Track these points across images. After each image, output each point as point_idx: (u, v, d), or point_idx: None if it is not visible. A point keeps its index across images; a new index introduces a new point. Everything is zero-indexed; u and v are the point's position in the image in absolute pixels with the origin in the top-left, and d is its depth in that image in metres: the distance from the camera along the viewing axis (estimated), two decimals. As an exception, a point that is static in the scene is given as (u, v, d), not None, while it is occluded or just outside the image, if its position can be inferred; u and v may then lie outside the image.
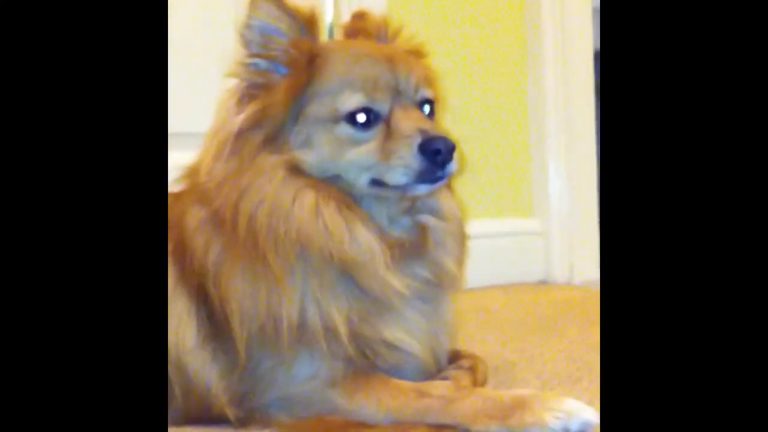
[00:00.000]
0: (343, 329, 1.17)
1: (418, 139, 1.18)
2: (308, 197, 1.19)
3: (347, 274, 1.19)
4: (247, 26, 1.22)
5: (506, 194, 2.90)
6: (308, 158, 1.21)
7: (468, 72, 2.81)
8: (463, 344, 1.43)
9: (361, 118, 1.20)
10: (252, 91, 1.22)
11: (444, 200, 1.31)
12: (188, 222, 1.24)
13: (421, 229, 1.27)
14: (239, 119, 1.21)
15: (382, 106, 1.21)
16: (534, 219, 2.93)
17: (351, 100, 1.20)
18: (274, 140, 1.21)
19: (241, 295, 1.18)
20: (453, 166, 1.19)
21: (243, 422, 1.20)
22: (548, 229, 2.91)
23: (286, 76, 1.22)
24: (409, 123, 1.19)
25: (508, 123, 2.90)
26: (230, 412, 1.20)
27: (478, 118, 2.83)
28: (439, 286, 1.28)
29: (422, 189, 1.21)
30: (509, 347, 1.79)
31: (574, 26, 2.89)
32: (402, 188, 1.20)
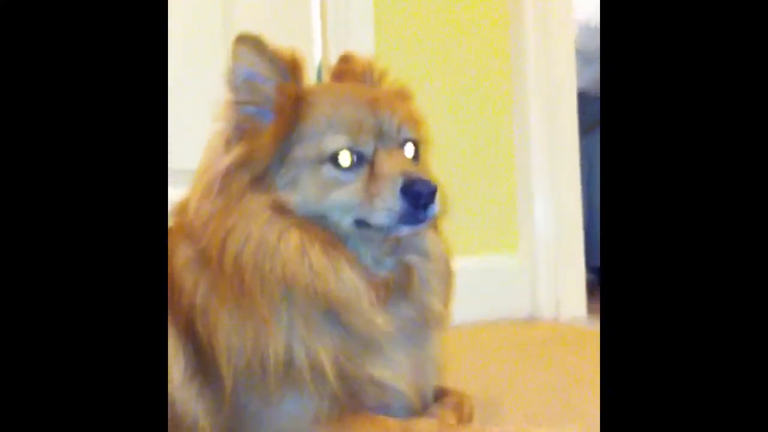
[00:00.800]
0: (329, 368, 1.18)
1: (399, 182, 1.20)
2: (294, 236, 1.20)
3: (333, 314, 1.20)
4: (232, 72, 1.25)
5: (491, 231, 2.92)
6: (294, 199, 1.23)
7: (454, 110, 2.85)
8: (448, 380, 1.44)
9: (345, 159, 1.22)
10: (239, 133, 1.25)
11: (429, 239, 1.33)
12: (176, 259, 1.25)
13: (407, 269, 1.29)
14: (226, 160, 1.24)
15: (366, 147, 1.24)
16: (519, 255, 2.95)
17: (334, 142, 1.23)
18: (260, 181, 1.23)
19: (227, 332, 1.19)
20: (435, 207, 1.21)
21: (230, 460, 1.20)
22: (534, 266, 2.93)
23: (273, 120, 1.25)
24: (391, 165, 1.22)
25: (494, 160, 2.93)
26: (217, 450, 1.21)
27: (463, 156, 2.86)
28: (424, 325, 1.30)
29: (405, 230, 1.23)
30: (495, 383, 1.79)
31: (559, 66, 2.93)
32: (385, 229, 1.22)
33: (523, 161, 2.94)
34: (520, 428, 1.14)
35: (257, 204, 1.22)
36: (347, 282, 1.20)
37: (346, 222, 1.23)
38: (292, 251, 1.19)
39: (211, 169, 1.25)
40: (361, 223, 1.23)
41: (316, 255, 1.20)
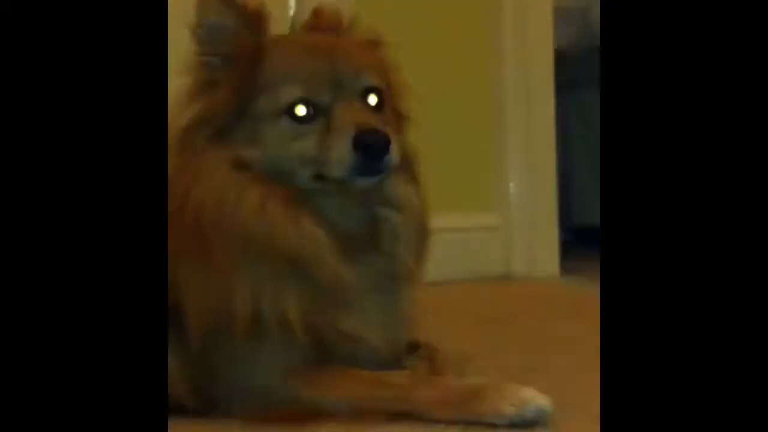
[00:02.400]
0: (296, 321, 1.18)
1: (352, 133, 1.17)
2: (253, 192, 1.19)
3: (298, 268, 1.19)
4: (198, 24, 1.23)
5: (465, 188, 2.92)
6: (253, 154, 1.22)
7: (429, 67, 2.82)
8: (422, 337, 1.44)
9: (300, 111, 1.21)
10: (201, 88, 1.24)
11: (402, 191, 1.31)
12: None
13: (376, 221, 1.28)
14: (185, 116, 1.22)
15: (322, 98, 1.21)
16: (493, 213, 2.96)
17: (289, 94, 1.21)
18: (220, 137, 1.22)
19: (193, 287, 1.19)
20: (390, 158, 1.19)
21: (201, 413, 1.20)
22: (508, 224, 2.94)
23: (230, 71, 1.23)
24: (346, 116, 1.20)
25: (468, 117, 2.92)
26: (189, 403, 1.21)
27: (438, 114, 2.84)
28: (395, 278, 1.29)
29: (362, 182, 1.21)
30: (468, 340, 1.80)
31: (536, 23, 2.92)
32: (342, 182, 1.20)
33: (498, 118, 2.94)
34: (490, 381, 1.15)
35: (216, 160, 1.21)
36: (308, 235, 1.19)
37: (305, 176, 1.22)
38: (252, 208, 1.19)
39: (173, 127, 1.23)
40: (319, 177, 1.21)
41: (276, 210, 1.19)
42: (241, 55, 1.22)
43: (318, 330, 1.20)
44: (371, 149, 1.17)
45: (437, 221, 2.69)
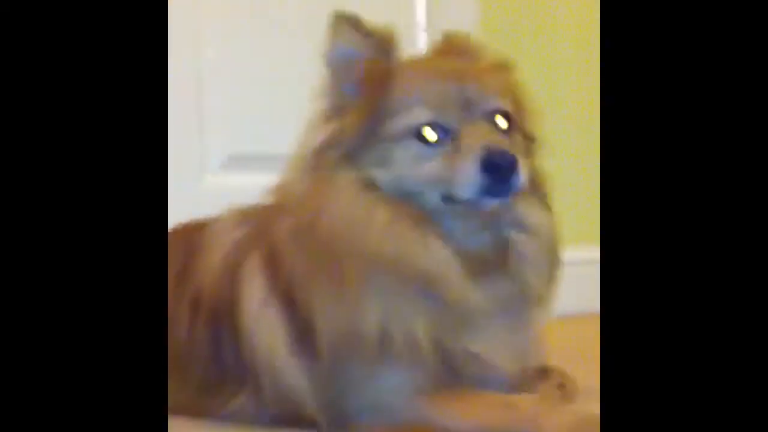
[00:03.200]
0: (424, 341, 1.18)
1: (479, 154, 1.17)
2: (382, 212, 1.21)
3: (426, 288, 1.20)
4: (330, 49, 1.27)
5: (596, 220, 2.85)
6: (382, 176, 1.23)
7: (557, 88, 2.79)
8: (553, 365, 1.41)
9: (430, 134, 1.21)
10: (335, 111, 1.27)
11: (532, 214, 1.30)
12: (278, 232, 1.28)
13: (504, 243, 1.27)
14: (318, 138, 1.26)
15: (451, 121, 1.22)
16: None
17: (419, 116, 1.22)
18: (350, 158, 1.24)
19: (323, 306, 1.21)
20: (518, 180, 1.18)
21: (332, 427, 1.22)
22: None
23: (360, 95, 1.25)
24: (474, 138, 1.20)
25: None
26: (319, 417, 1.23)
27: (575, 143, 2.81)
28: (523, 301, 1.28)
29: (489, 203, 1.21)
30: (598, 372, 1.75)
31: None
32: (470, 203, 1.20)
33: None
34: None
35: (346, 181, 1.23)
36: (436, 256, 1.20)
37: (433, 197, 1.22)
38: (381, 227, 1.20)
39: (306, 148, 1.27)
40: (447, 198, 1.22)
41: (404, 230, 1.20)
42: (372, 79, 1.25)
43: (446, 351, 1.20)
44: (499, 169, 1.17)
45: (570, 253, 2.64)
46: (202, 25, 2.25)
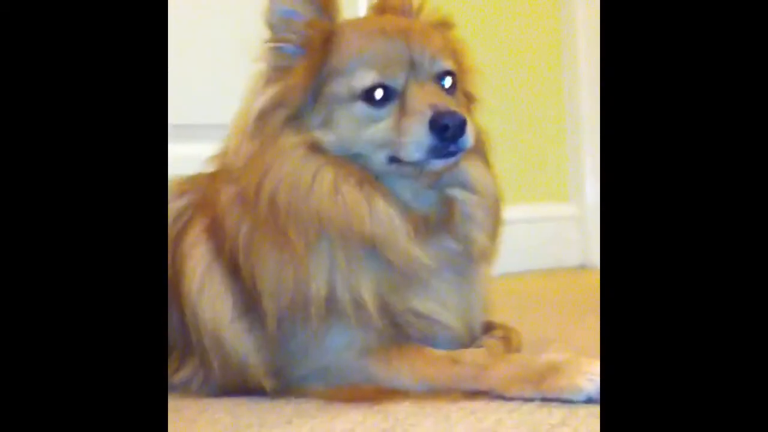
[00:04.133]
0: (371, 302, 1.19)
1: (428, 115, 1.17)
2: (327, 175, 1.20)
3: (372, 249, 1.20)
4: (269, 10, 1.24)
5: (543, 179, 2.90)
6: (328, 137, 1.23)
7: (503, 55, 2.81)
8: (498, 320, 1.43)
9: (377, 95, 1.21)
10: (275, 74, 1.25)
11: (475, 173, 1.31)
12: (221, 200, 1.27)
13: (449, 202, 1.27)
14: (260, 101, 1.24)
15: (397, 81, 1.21)
16: (571, 204, 2.92)
17: (365, 78, 1.21)
18: (294, 120, 1.23)
19: (268, 271, 1.21)
20: (466, 140, 1.18)
21: (280, 393, 1.22)
22: (585, 214, 2.90)
23: (303, 57, 1.23)
24: (421, 99, 1.19)
25: (544, 107, 2.89)
26: (267, 384, 1.23)
27: (513, 103, 2.83)
28: (469, 258, 1.29)
29: (437, 164, 1.21)
30: (546, 327, 1.78)
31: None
32: (417, 164, 1.20)
33: (574, 108, 2.90)
34: (567, 356, 1.12)
35: (291, 144, 1.22)
36: (382, 217, 1.20)
37: (379, 159, 1.22)
38: (326, 190, 1.20)
39: (247, 112, 1.25)
40: (393, 159, 1.21)
41: (350, 192, 1.20)
42: (314, 40, 1.23)
43: (393, 310, 1.21)
44: (447, 130, 1.16)
45: (515, 212, 2.68)
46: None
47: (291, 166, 1.21)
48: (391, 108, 1.21)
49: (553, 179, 2.92)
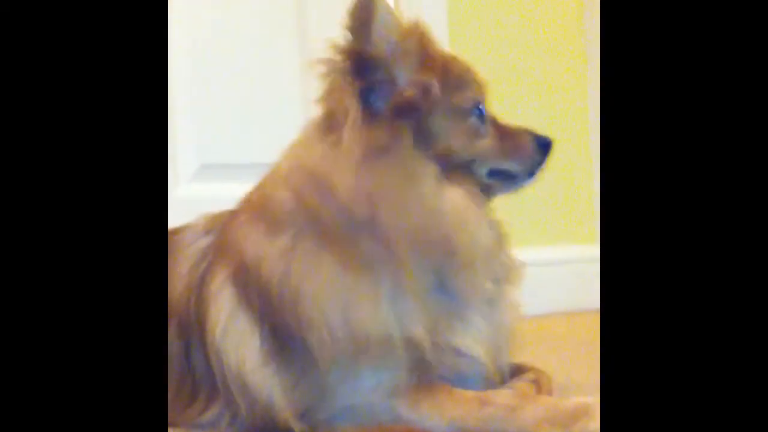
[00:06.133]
0: (425, 340, 1.18)
1: (534, 135, 1.33)
2: (457, 196, 1.23)
3: (442, 276, 1.21)
4: (369, 27, 1.21)
5: (567, 221, 2.89)
6: (445, 147, 1.25)
7: (529, 93, 2.82)
8: (527, 362, 1.43)
9: (482, 110, 1.30)
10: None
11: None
12: (249, 242, 1.25)
13: (498, 224, 1.33)
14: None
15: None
16: (596, 246, 2.91)
17: (475, 94, 1.30)
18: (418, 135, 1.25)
19: (319, 301, 1.17)
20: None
21: (308, 432, 1.21)
22: (609, 256, 2.88)
23: (415, 71, 1.25)
24: (499, 120, 1.32)
25: (571, 147, 2.89)
26: (295, 426, 1.21)
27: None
28: (506, 282, 1.32)
29: (530, 180, 1.34)
30: (574, 369, 1.77)
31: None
32: (520, 178, 1.33)
33: (593, 148, 2.90)
34: (597, 399, 1.11)
35: (416, 164, 1.21)
36: (489, 233, 1.26)
37: (482, 172, 1.29)
38: (468, 216, 1.23)
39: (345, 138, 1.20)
40: (494, 174, 1.29)
41: (475, 211, 1.25)
42: (433, 60, 1.26)
43: (432, 347, 1.19)
44: (548, 149, 1.32)
45: (540, 254, 2.68)
46: (172, 34, 2.24)
47: (418, 187, 1.20)
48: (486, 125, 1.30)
49: (579, 220, 2.91)
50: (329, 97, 1.25)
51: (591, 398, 1.13)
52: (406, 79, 1.23)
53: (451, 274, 1.21)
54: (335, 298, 1.18)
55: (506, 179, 1.31)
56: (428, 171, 1.21)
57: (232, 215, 1.33)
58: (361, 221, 1.17)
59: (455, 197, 1.22)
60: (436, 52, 1.28)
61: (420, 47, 1.25)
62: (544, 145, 1.32)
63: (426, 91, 1.23)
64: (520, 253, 1.37)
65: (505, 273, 1.30)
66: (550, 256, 2.79)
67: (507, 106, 2.70)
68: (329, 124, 1.24)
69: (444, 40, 2.54)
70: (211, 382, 1.28)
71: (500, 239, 1.31)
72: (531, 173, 1.32)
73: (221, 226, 1.35)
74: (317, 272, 1.18)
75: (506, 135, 1.31)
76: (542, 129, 2.77)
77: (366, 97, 1.21)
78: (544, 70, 2.86)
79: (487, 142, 1.29)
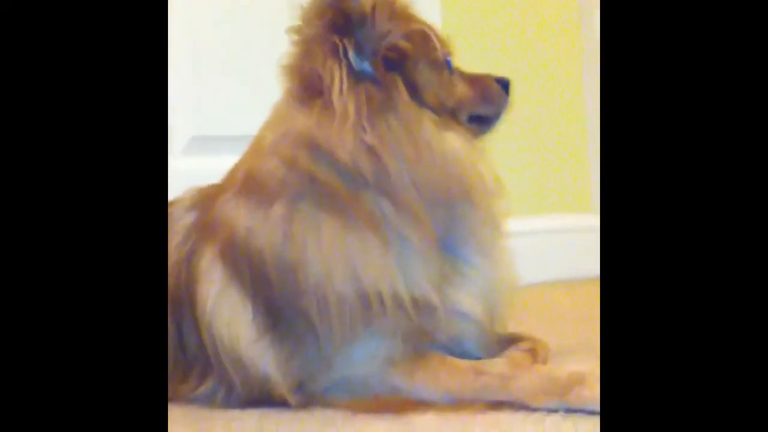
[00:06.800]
0: (434, 299, 1.18)
1: (494, 78, 1.39)
2: (459, 142, 1.26)
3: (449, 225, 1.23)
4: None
5: (565, 190, 2.88)
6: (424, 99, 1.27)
7: (526, 65, 2.81)
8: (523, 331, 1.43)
9: (449, 63, 1.33)
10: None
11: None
12: (239, 217, 1.23)
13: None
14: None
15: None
16: (593, 214, 2.91)
17: (444, 48, 1.32)
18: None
19: (321, 263, 1.15)
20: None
21: (303, 405, 1.21)
22: (607, 224, 2.88)
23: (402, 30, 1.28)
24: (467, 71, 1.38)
25: (566, 118, 2.88)
26: (290, 398, 1.21)
27: (535, 113, 2.82)
28: (494, 233, 1.33)
29: (498, 121, 1.40)
30: (570, 338, 1.77)
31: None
32: (493, 120, 1.39)
33: (596, 118, 2.89)
34: (592, 367, 1.11)
35: (417, 113, 1.23)
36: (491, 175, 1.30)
37: (464, 119, 1.33)
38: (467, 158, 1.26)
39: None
40: (472, 119, 1.34)
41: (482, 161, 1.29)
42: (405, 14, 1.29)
43: (429, 307, 1.18)
44: (508, 89, 1.39)
45: (538, 222, 2.68)
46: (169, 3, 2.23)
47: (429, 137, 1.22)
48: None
49: (576, 189, 2.91)
50: (305, 63, 1.23)
51: (585, 366, 1.12)
52: (393, 32, 1.23)
53: (460, 218, 1.23)
54: (342, 258, 1.16)
55: (481, 123, 1.36)
56: (429, 119, 1.23)
57: (217, 190, 1.31)
58: (367, 179, 1.16)
59: (457, 140, 1.25)
60: (403, 7, 1.30)
61: (393, 1, 1.27)
62: (505, 86, 1.38)
63: (415, 40, 1.26)
64: (518, 222, 1.37)
65: (499, 222, 1.31)
66: (549, 224, 2.79)
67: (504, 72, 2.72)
68: (309, 91, 1.22)
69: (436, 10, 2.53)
70: (204, 358, 1.28)
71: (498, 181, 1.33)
72: (498, 114, 1.38)
73: (206, 202, 1.33)
74: (320, 234, 1.16)
75: (474, 82, 1.35)
76: (536, 99, 2.81)
77: (345, 57, 1.20)
78: (540, 39, 2.84)
79: (464, 90, 1.33)
